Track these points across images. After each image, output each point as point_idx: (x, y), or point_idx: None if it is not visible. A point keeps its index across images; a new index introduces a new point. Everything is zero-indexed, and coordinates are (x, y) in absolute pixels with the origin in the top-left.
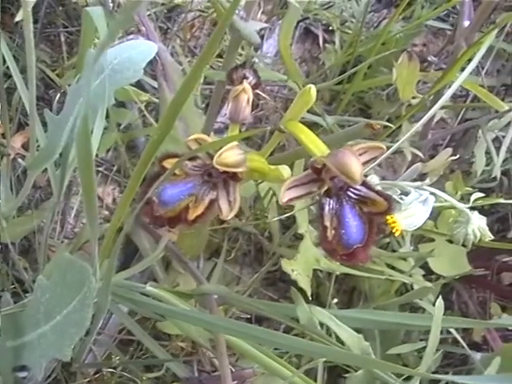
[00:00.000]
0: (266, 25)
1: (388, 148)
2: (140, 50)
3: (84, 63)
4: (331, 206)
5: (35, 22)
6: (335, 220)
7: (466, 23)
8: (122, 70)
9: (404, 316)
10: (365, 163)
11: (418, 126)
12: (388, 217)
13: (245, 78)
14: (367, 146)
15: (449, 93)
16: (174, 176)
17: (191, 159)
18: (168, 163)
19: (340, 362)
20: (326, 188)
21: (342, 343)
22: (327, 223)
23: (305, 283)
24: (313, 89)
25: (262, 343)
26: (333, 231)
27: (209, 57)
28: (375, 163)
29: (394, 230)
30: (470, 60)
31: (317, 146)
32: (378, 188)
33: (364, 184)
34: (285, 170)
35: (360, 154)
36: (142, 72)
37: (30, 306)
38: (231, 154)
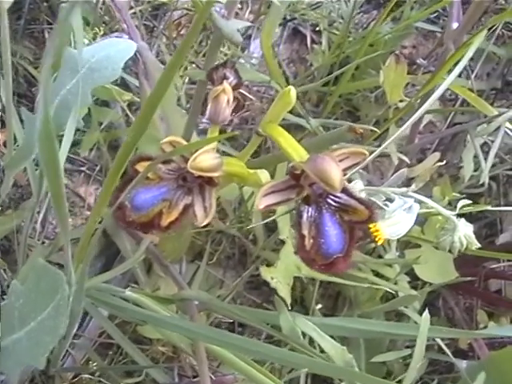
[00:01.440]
0: (248, 23)
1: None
2: (119, 48)
3: (61, 61)
4: (310, 213)
5: (18, 18)
6: (314, 229)
7: (455, 25)
8: (99, 68)
9: (390, 325)
10: (346, 169)
11: (403, 128)
12: (371, 225)
13: (225, 78)
14: (349, 152)
15: (435, 95)
16: (148, 180)
17: (165, 162)
18: (141, 166)
19: (323, 373)
20: (304, 195)
21: (324, 352)
22: (305, 232)
23: (285, 292)
24: (293, 90)
25: (243, 352)
26: (311, 240)
27: (186, 50)
28: (361, 166)
29: (376, 239)
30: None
31: (296, 151)
32: (360, 195)
33: (345, 191)
34: (263, 175)
35: (341, 160)
36: (120, 71)
37: (5, 310)
38: (206, 158)
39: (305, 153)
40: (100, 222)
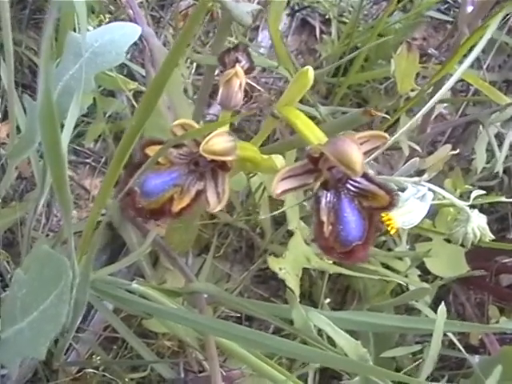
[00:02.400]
0: (257, 6)
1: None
2: (123, 32)
3: (63, 48)
4: (328, 199)
5: (23, 8)
6: (332, 215)
7: (469, 9)
8: (103, 53)
9: (403, 319)
10: (366, 153)
11: (417, 117)
12: (383, 214)
13: (237, 61)
14: (369, 135)
15: (450, 82)
16: (158, 165)
17: (176, 146)
18: (151, 150)
19: (336, 367)
20: (323, 179)
21: (334, 344)
22: (324, 218)
23: (293, 283)
24: (310, 70)
25: (253, 346)
26: (330, 227)
27: (194, 27)
28: (371, 157)
29: (389, 228)
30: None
31: (314, 133)
32: (380, 181)
33: (365, 176)
34: (278, 159)
35: (361, 144)
36: (124, 55)
37: (7, 301)
38: (220, 141)
39: (323, 135)
40: (104, 214)
